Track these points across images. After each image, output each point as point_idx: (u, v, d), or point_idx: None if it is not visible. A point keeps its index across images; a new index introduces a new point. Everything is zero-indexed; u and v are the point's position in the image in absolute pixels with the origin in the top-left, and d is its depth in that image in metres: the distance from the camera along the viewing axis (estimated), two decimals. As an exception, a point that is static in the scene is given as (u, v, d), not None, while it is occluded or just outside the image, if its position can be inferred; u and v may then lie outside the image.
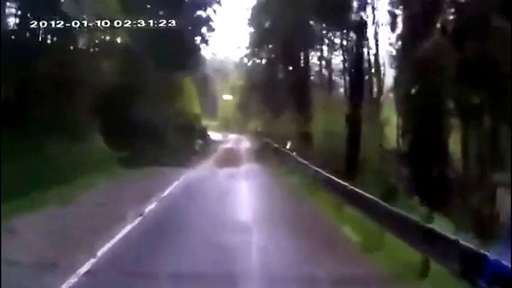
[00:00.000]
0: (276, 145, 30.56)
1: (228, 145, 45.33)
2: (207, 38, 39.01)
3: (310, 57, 39.94)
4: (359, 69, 22.17)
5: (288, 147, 24.76)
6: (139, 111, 28.49)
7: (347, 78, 34.17)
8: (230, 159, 28.42)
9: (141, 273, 7.64)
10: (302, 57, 40.29)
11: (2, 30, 20.84)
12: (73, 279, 7.27)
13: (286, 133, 36.46)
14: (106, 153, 24.82)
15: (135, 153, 25.52)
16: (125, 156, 25.20)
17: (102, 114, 25.85)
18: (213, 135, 50.01)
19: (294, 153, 21.43)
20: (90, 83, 25.31)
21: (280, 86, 42.72)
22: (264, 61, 46.90)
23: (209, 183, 19.97)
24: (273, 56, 44.11)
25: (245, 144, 46.67)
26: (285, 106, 41.21)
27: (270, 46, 44.41)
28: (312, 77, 40.74)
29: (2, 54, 16.15)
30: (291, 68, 41.89)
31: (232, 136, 54.98)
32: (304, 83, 39.24)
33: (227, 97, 61.03)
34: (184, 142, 30.85)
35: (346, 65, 34.33)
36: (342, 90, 40.76)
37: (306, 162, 18.67)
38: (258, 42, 45.17)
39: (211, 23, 38.57)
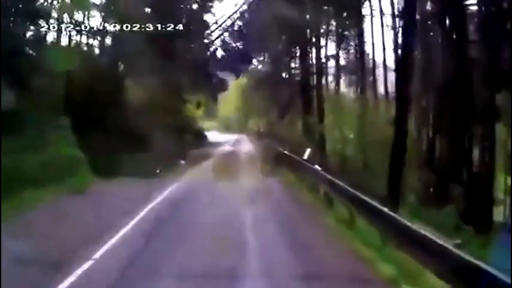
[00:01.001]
0: (285, 151, 25.30)
1: (228, 148, 40.66)
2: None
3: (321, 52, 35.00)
4: (406, 61, 16.91)
5: (305, 157, 19.41)
6: (122, 110, 24.05)
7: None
8: (231, 169, 22.37)
9: None
10: (312, 51, 35.58)
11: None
12: None
13: (291, 134, 32.03)
14: (76, 159, 19.67)
15: (112, 160, 20.52)
16: (100, 164, 20.14)
17: (73, 112, 20.97)
18: (212, 135, 46.81)
19: (316, 166, 15.89)
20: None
21: (286, 84, 38.65)
22: (267, 57, 42.08)
23: (193, 228, 10.91)
24: (279, 49, 39.38)
25: (247, 146, 42.28)
26: (290, 105, 37.42)
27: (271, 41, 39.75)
28: (323, 74, 36.13)
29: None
30: (298, 64, 37.90)
31: (233, 137, 51.17)
32: (314, 79, 34.85)
33: (228, 96, 57.23)
34: (176, 147, 25.87)
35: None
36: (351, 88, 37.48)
37: (334, 180, 12.90)
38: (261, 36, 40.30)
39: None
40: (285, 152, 25.27)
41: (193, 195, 16.12)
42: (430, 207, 17.18)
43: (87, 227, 10.00)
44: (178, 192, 16.57)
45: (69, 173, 17.56)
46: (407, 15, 17.76)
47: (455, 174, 19.87)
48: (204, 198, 15.27)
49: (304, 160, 18.95)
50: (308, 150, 20.19)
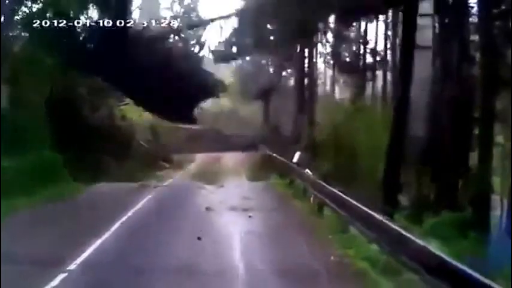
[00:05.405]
0: (274, 154, 24.48)
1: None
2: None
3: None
4: (407, 59, 16.12)
5: (295, 160, 18.59)
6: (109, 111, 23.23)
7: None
8: (216, 174, 21.32)
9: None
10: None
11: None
12: None
13: (280, 136, 31.23)
14: (59, 164, 18.60)
15: (92, 165, 19.64)
16: (84, 168, 19.23)
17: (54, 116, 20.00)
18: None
19: (307, 170, 14.95)
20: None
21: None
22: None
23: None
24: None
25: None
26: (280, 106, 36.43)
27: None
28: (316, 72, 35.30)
29: None
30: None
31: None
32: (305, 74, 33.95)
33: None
34: (162, 150, 25.06)
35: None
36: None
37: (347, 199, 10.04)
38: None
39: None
40: (274, 155, 24.53)
41: (163, 213, 13.32)
42: (429, 213, 16.28)
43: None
44: (152, 202, 14.75)
45: (51, 179, 16.54)
46: (408, 13, 17.00)
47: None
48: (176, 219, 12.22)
49: (294, 163, 18.21)
50: (297, 154, 19.40)
